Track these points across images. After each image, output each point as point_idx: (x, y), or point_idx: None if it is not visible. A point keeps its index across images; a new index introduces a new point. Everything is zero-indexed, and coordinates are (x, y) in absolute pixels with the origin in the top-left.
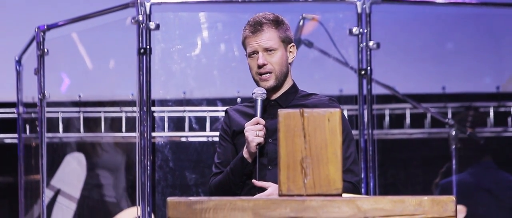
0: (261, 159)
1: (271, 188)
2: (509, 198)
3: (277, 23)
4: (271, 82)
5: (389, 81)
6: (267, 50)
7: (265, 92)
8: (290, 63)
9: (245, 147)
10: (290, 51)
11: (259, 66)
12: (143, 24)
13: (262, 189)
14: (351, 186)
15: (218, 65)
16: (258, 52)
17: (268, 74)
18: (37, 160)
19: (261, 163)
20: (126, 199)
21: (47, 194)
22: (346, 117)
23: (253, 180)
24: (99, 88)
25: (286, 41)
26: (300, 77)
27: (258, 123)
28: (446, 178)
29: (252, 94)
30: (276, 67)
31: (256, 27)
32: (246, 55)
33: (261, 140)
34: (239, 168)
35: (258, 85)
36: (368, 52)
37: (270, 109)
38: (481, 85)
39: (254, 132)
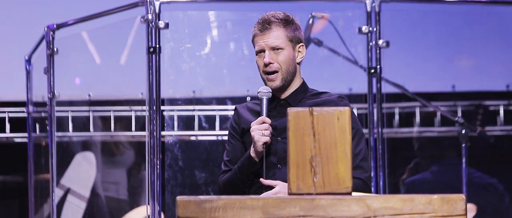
0: (270, 157)
1: (279, 186)
2: (475, 195)
3: (286, 22)
4: (277, 82)
5: (399, 80)
6: (274, 49)
7: (270, 91)
8: (298, 63)
9: (252, 146)
10: (299, 51)
11: (265, 65)
12: (153, 23)
13: (271, 188)
14: (361, 182)
15: (227, 64)
16: (265, 51)
17: (275, 74)
18: (47, 159)
19: (270, 162)
20: (136, 198)
21: (57, 193)
22: (356, 114)
23: (261, 179)
24: (108, 87)
25: (294, 41)
26: (309, 76)
27: (264, 122)
28: (412, 176)
29: (258, 93)
30: (283, 66)
31: (264, 25)
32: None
33: (267, 139)
34: (247, 167)
35: (266, 84)
36: (378, 51)
37: (279, 108)
38: (491, 84)
39: (260, 131)
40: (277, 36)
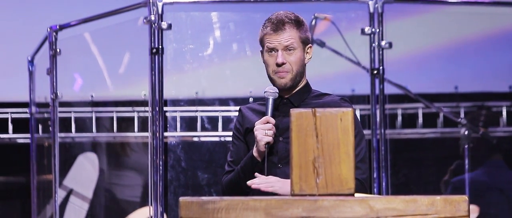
0: (271, 157)
1: (273, 179)
2: None
3: (298, 23)
4: (287, 80)
5: (402, 81)
6: (287, 48)
7: (277, 91)
8: (305, 64)
9: (254, 145)
10: (307, 52)
11: (278, 65)
12: (155, 24)
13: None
14: (358, 183)
15: (230, 65)
16: (277, 50)
17: (285, 72)
18: (50, 160)
19: (271, 161)
20: (139, 199)
21: (60, 194)
22: (357, 116)
23: (256, 174)
24: (111, 88)
25: (305, 42)
26: (312, 76)
27: (267, 122)
28: (456, 176)
29: (264, 93)
30: (294, 67)
31: (278, 25)
32: (261, 51)
33: (269, 139)
34: (249, 167)
35: (273, 83)
36: (380, 52)
37: (282, 107)
38: (493, 85)
39: (263, 131)
40: (291, 36)
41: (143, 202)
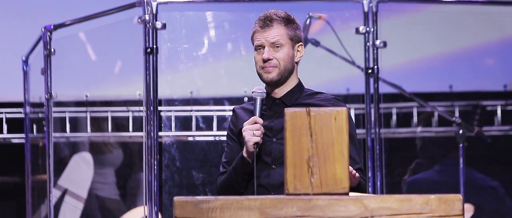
0: (264, 158)
1: None
2: (473, 195)
3: (287, 21)
4: (274, 75)
5: (396, 80)
6: (273, 45)
7: (265, 91)
8: (296, 62)
9: (244, 146)
10: (298, 50)
11: (264, 61)
12: (150, 24)
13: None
14: (364, 183)
15: (225, 65)
16: (264, 47)
17: (272, 67)
18: (44, 160)
19: (264, 162)
20: (133, 198)
21: (55, 194)
22: (351, 116)
23: None
24: (106, 88)
25: (294, 40)
26: (306, 76)
27: (255, 122)
28: (413, 175)
29: (252, 93)
30: (281, 63)
31: (265, 22)
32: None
33: (257, 139)
34: (240, 168)
35: (261, 78)
36: (375, 51)
37: (275, 108)
38: (488, 84)
39: (251, 131)
40: (277, 33)
41: (138, 202)
